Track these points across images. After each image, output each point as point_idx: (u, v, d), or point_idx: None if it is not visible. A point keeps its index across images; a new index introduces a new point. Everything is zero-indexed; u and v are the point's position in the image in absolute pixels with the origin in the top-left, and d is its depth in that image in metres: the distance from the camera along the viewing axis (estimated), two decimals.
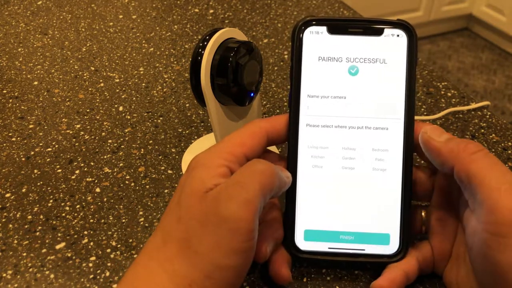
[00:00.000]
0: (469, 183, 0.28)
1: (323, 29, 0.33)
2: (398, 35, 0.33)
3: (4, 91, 0.56)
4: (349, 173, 0.33)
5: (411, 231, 0.34)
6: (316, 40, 0.33)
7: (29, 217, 0.40)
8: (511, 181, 0.27)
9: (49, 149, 0.48)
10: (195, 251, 0.27)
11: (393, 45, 0.33)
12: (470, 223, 0.29)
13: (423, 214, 0.34)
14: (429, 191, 0.34)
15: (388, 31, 0.33)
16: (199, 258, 0.27)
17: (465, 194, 0.30)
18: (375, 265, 0.34)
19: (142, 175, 0.45)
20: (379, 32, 0.33)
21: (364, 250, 0.33)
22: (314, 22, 0.33)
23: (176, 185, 0.43)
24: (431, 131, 0.32)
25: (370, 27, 0.33)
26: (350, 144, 0.33)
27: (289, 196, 0.33)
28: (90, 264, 0.36)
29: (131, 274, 0.28)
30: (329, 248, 0.33)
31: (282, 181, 0.31)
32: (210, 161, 0.30)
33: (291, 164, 0.33)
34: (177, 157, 0.47)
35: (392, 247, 0.33)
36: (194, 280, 0.26)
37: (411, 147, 0.33)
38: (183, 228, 0.27)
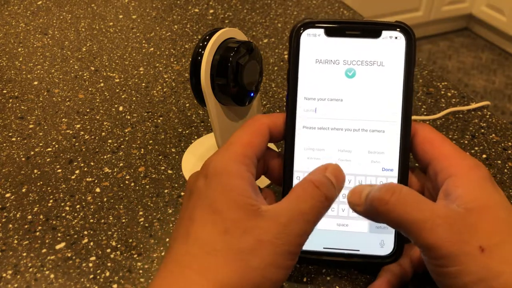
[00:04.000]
0: (399, 230, 0.29)
1: (321, 31, 0.33)
2: (396, 37, 0.33)
3: (4, 91, 0.56)
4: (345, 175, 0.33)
5: None
6: (314, 43, 0.33)
7: (29, 217, 0.40)
8: (432, 215, 0.27)
9: (49, 149, 0.48)
10: (249, 265, 0.27)
11: (391, 47, 0.33)
12: (422, 255, 0.30)
13: None
14: (420, 192, 0.34)
15: (386, 33, 0.33)
16: (252, 272, 0.27)
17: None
18: (370, 266, 0.35)
19: (142, 175, 0.45)
20: (377, 34, 0.33)
21: (358, 250, 0.33)
22: (311, 25, 0.33)
23: (176, 185, 0.43)
24: (351, 197, 0.31)
25: (367, 30, 0.33)
26: (346, 146, 0.33)
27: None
28: (90, 264, 0.36)
29: (167, 283, 0.27)
30: (324, 248, 0.33)
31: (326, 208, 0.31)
32: (230, 166, 0.29)
33: (288, 166, 0.33)
34: (177, 157, 0.47)
35: (386, 248, 0.33)
36: None
37: (408, 149, 0.33)
38: (234, 241, 0.27)
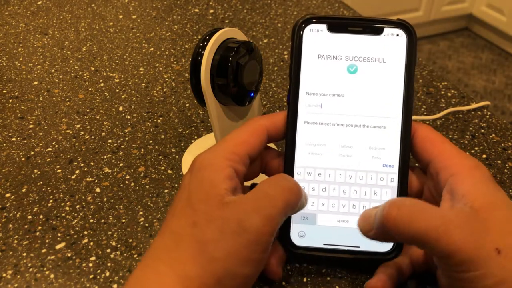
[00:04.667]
0: (416, 244, 0.28)
1: (323, 27, 0.33)
2: (397, 35, 0.33)
3: (4, 91, 0.56)
4: (346, 171, 0.33)
5: None
6: (316, 38, 0.33)
7: (29, 217, 0.40)
8: (443, 221, 0.27)
9: (49, 149, 0.48)
10: (211, 257, 0.27)
11: (392, 44, 0.33)
12: (436, 263, 0.29)
13: None
14: (420, 191, 0.34)
15: (387, 30, 0.33)
16: (214, 263, 0.27)
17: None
18: (369, 262, 0.35)
19: (142, 175, 0.45)
20: (378, 31, 0.33)
21: (359, 247, 0.33)
22: (314, 20, 0.33)
23: (176, 185, 0.43)
24: (361, 223, 0.31)
25: (370, 26, 0.33)
26: (347, 142, 0.33)
27: None
28: (90, 264, 0.36)
29: (140, 275, 0.28)
30: (324, 244, 0.34)
31: (301, 204, 0.31)
32: (216, 162, 0.30)
33: (289, 161, 0.33)
34: (177, 157, 0.47)
35: (386, 245, 0.33)
36: (205, 284, 0.27)
37: (408, 146, 0.33)
38: (199, 233, 0.27)
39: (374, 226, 0.29)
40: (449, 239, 0.26)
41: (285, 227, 0.33)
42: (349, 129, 0.33)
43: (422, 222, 0.27)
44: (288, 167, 0.33)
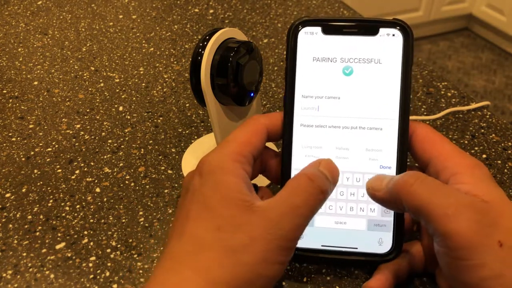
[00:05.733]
0: (419, 217, 0.28)
1: (318, 29, 0.33)
2: (393, 35, 0.33)
3: (4, 91, 0.56)
4: (343, 172, 0.33)
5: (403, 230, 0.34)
6: (311, 41, 0.33)
7: (29, 217, 0.40)
8: (456, 202, 0.27)
9: (49, 149, 0.48)
10: (241, 262, 0.27)
11: (388, 45, 0.33)
12: (435, 247, 0.29)
13: None
14: None
15: (383, 30, 0.33)
16: (243, 267, 0.27)
17: (422, 224, 0.30)
18: (368, 264, 0.35)
19: (142, 175, 0.45)
20: (374, 32, 0.33)
21: (357, 248, 0.33)
22: (309, 23, 0.33)
23: (176, 185, 0.43)
24: (372, 183, 0.31)
25: (364, 27, 0.33)
26: (344, 144, 0.33)
27: None
28: (90, 264, 0.36)
29: (162, 280, 0.27)
30: (322, 246, 0.34)
31: (330, 191, 0.30)
32: (226, 165, 0.30)
33: (286, 164, 0.33)
34: (177, 157, 0.47)
35: (385, 246, 0.33)
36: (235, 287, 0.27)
37: (406, 147, 0.33)
38: (226, 237, 0.27)
39: (386, 188, 0.30)
40: (456, 221, 0.26)
41: None
42: (345, 131, 0.33)
43: (436, 197, 0.27)
44: (285, 170, 0.33)
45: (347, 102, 0.33)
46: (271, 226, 0.27)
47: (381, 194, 0.30)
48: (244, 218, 0.27)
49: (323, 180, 0.29)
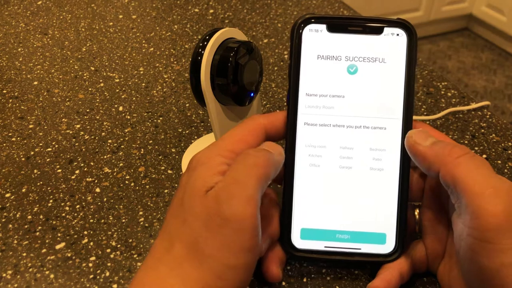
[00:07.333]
0: (454, 188, 0.28)
1: (323, 27, 0.33)
2: (398, 34, 0.33)
3: (4, 91, 0.56)
4: (346, 172, 0.33)
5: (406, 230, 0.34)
6: (315, 38, 0.33)
7: (29, 217, 0.40)
8: (495, 185, 0.27)
9: (49, 149, 0.48)
10: (204, 254, 0.27)
11: (392, 44, 0.33)
12: (457, 226, 0.29)
13: (416, 213, 0.34)
14: (421, 190, 0.34)
15: (388, 30, 0.33)
16: (209, 260, 0.26)
17: (451, 197, 0.30)
18: (371, 264, 0.35)
19: (142, 175, 0.45)
20: (379, 31, 0.33)
21: (360, 249, 0.33)
22: (313, 20, 0.33)
23: (176, 185, 0.43)
24: (416, 135, 0.32)
25: (370, 26, 0.33)
26: (348, 144, 0.33)
27: (286, 194, 0.33)
28: (90, 264, 0.36)
29: (142, 278, 0.28)
30: (325, 246, 0.33)
31: (277, 164, 0.31)
32: (210, 159, 0.30)
33: (289, 163, 0.33)
34: (177, 157, 0.47)
35: (388, 246, 0.33)
36: (207, 282, 0.26)
37: None
38: (188, 231, 0.27)
39: (430, 145, 0.30)
40: (492, 202, 0.26)
41: (286, 229, 0.33)
42: (349, 130, 0.33)
43: (481, 174, 0.27)
44: (288, 169, 0.33)
45: (351, 101, 0.33)
46: (219, 210, 0.27)
47: (422, 149, 0.30)
48: (200, 208, 0.27)
49: (260, 149, 0.30)
